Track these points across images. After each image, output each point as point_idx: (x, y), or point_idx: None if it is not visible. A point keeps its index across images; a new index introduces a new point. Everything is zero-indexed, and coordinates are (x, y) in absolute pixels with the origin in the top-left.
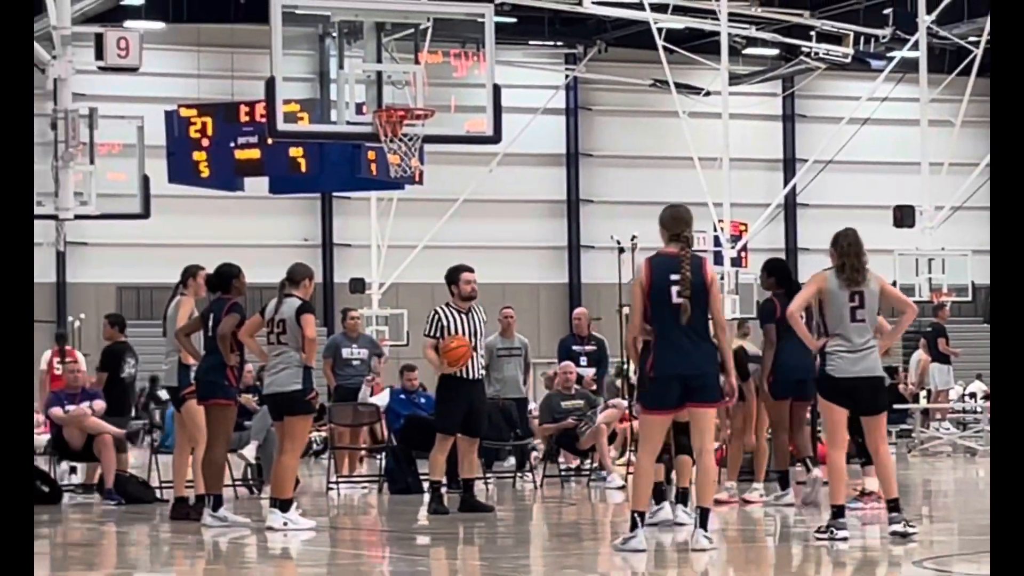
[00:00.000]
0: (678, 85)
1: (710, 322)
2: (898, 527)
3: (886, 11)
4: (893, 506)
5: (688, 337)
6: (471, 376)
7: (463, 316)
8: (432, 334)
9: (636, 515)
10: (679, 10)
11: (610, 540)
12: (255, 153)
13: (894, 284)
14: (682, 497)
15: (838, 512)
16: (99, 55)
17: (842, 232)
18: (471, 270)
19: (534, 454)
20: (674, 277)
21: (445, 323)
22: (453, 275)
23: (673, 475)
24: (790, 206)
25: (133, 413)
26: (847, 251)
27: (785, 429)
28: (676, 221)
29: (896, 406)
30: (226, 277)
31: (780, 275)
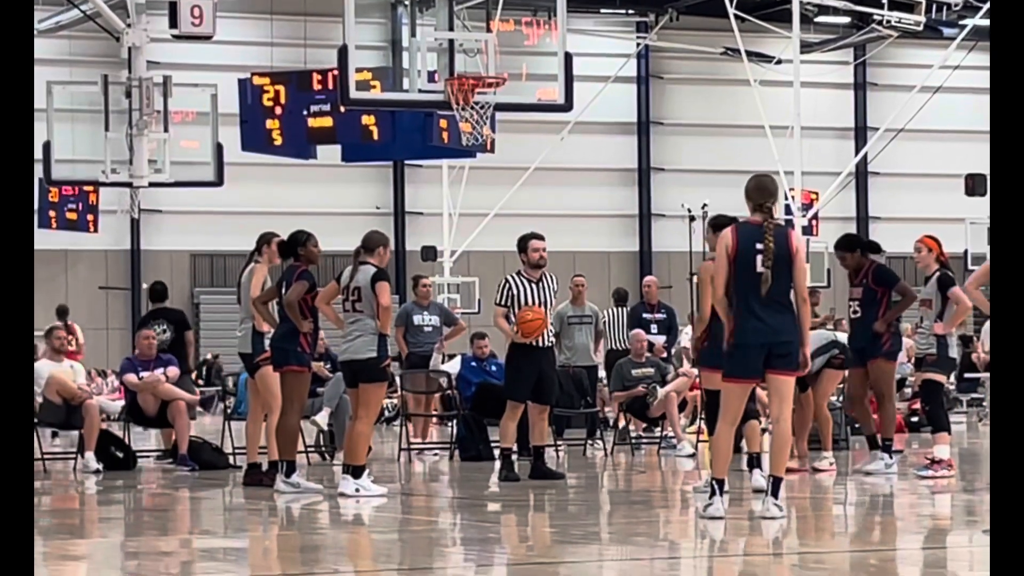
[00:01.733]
0: (749, 53)
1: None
2: None
3: None
4: None
5: (769, 306)
6: (541, 344)
7: (534, 284)
8: (503, 303)
9: (715, 483)
10: None
11: (680, 508)
12: (328, 121)
13: (964, 253)
14: (757, 461)
15: None
16: (173, 23)
17: None
18: (541, 238)
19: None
20: (759, 246)
21: (516, 292)
22: (522, 243)
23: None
24: (861, 175)
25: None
26: None
27: (892, 396)
28: (760, 191)
29: (968, 375)
30: (292, 244)
31: (862, 244)
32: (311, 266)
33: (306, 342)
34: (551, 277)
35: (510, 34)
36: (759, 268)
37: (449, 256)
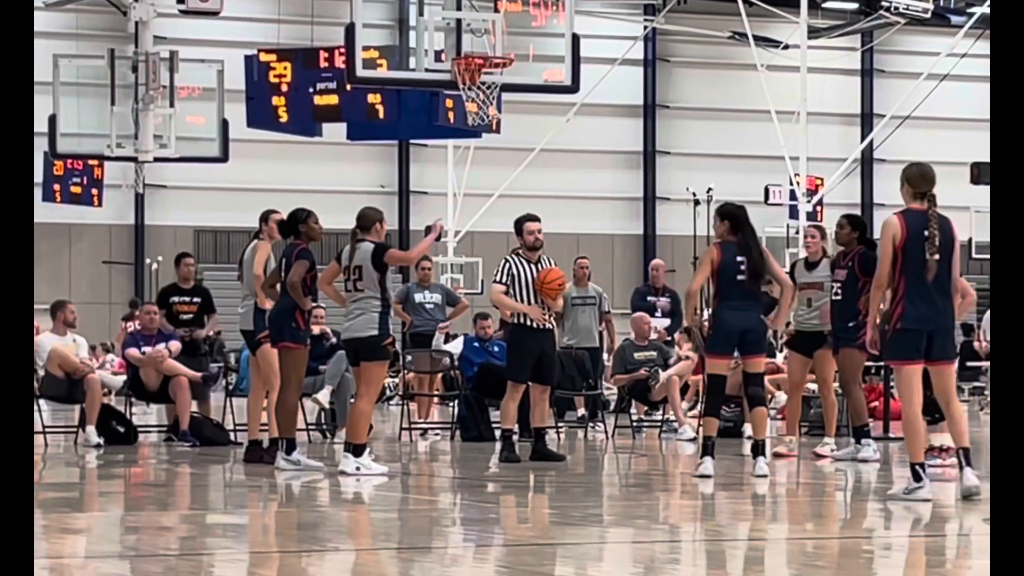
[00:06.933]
0: (757, 38)
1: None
2: None
3: None
4: None
5: (934, 292)
6: (542, 325)
7: (532, 265)
8: (503, 280)
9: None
10: None
11: (680, 492)
12: (333, 99)
13: (969, 241)
14: (761, 449)
15: None
16: None
17: None
18: (537, 219)
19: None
20: (926, 233)
21: (516, 272)
22: (518, 225)
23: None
24: (867, 161)
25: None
26: None
27: (858, 383)
28: (924, 179)
29: (969, 363)
30: (292, 222)
31: (863, 229)
32: (311, 244)
33: (302, 319)
34: (549, 259)
35: (518, 15)
36: (927, 255)
37: (453, 236)
